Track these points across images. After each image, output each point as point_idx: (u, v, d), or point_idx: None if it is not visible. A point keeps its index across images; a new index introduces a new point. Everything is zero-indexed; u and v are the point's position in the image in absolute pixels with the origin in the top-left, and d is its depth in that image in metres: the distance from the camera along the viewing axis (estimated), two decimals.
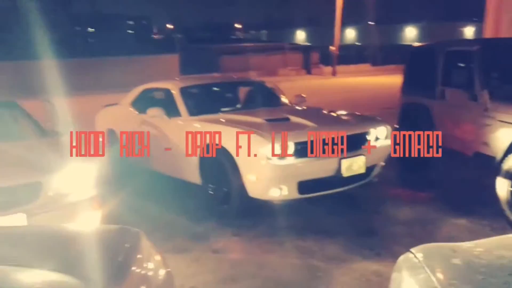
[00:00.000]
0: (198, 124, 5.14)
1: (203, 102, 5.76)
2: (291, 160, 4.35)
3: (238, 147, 4.51)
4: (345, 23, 35.13)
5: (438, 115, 5.93)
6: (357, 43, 53.10)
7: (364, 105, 14.22)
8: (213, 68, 25.05)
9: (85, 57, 22.04)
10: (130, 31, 74.66)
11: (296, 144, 4.39)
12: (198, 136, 5.04)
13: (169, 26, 75.30)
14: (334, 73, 27.79)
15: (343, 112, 5.56)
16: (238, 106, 5.83)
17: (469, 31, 58.73)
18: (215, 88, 6.29)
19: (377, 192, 5.50)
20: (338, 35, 29.24)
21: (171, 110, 5.60)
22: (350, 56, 33.53)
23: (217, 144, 4.73)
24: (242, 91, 6.39)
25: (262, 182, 4.36)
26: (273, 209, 4.88)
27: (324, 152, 4.49)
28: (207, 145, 4.87)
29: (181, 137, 5.24)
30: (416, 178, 6.11)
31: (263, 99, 6.11)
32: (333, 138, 4.56)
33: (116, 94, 9.13)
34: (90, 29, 70.18)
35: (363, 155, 4.71)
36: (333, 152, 4.53)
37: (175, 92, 5.67)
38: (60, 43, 22.25)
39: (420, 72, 6.58)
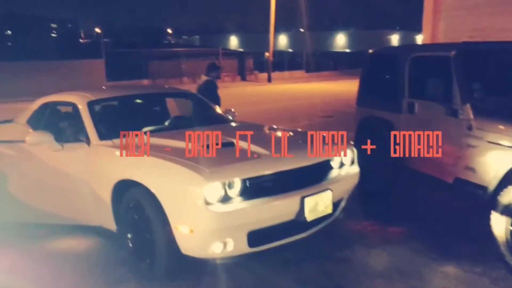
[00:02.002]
0: (110, 151, 3.84)
1: (118, 120, 4.44)
2: (238, 204, 3.18)
3: (162, 185, 3.29)
4: (277, 30, 34.72)
5: (405, 131, 5.04)
6: (289, 50, 53.21)
7: (303, 113, 13.43)
8: (142, 74, 23.41)
9: (10, 60, 19.75)
10: (53, 35, 70.30)
11: (245, 181, 3.24)
12: (111, 167, 3.76)
13: (97, 30, 72.07)
14: (269, 80, 27.05)
15: (296, 132, 4.50)
16: (165, 124, 4.56)
17: (394, 39, 61.00)
18: (135, 102, 4.95)
19: (341, 231, 4.47)
20: (272, 42, 28.60)
21: (77, 131, 4.26)
22: (283, 62, 33.17)
23: (134, 181, 3.47)
24: (170, 105, 5.15)
25: (198, 236, 3.15)
26: (214, 266, 3.68)
27: (281, 189, 3.37)
28: (122, 181, 3.60)
29: (87, 168, 3.92)
30: (383, 208, 5.18)
31: (197, 114, 4.92)
32: (292, 170, 3.46)
33: (31, 103, 7.58)
34: (8, 32, 65.30)
35: (329, 189, 3.65)
36: (293, 188, 3.43)
37: (82, 108, 4.31)
38: None
39: (380, 81, 5.69)
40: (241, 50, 41.16)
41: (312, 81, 27.18)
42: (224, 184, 3.16)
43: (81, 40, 63.85)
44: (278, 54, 36.49)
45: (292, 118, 12.48)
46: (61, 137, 4.27)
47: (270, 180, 3.37)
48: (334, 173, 3.87)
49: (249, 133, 3.95)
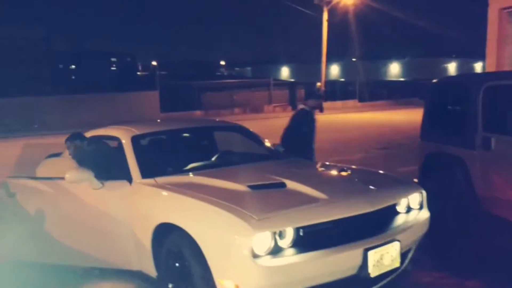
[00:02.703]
0: (151, 191, 3.55)
1: (163, 156, 4.17)
2: (291, 257, 2.76)
3: (205, 232, 2.94)
4: (329, 59, 34.48)
5: (480, 170, 4.44)
6: (341, 79, 52.73)
7: (357, 145, 12.83)
8: (195, 105, 23.68)
9: (66, 94, 20.69)
10: (113, 68, 73.82)
11: (299, 230, 2.83)
12: (151, 208, 3.46)
13: (154, 63, 75.35)
14: (321, 110, 26.52)
15: (356, 170, 4.03)
16: (212, 160, 4.24)
17: (452, 67, 59.01)
18: (181, 136, 4.68)
19: (409, 285, 3.89)
20: (324, 71, 28.29)
21: (120, 168, 4.02)
22: (335, 92, 32.69)
23: (175, 225, 3.15)
24: (217, 139, 4.85)
25: None
26: None
27: (341, 240, 2.92)
28: (163, 225, 3.29)
29: (128, 209, 3.64)
30: (457, 258, 4.54)
31: (245, 150, 4.58)
32: (352, 218, 3.01)
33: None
34: (72, 66, 69.27)
35: (397, 240, 3.15)
36: (354, 239, 2.96)
37: (125, 142, 4.08)
38: (43, 80, 21.33)
39: (448, 113, 5.14)
40: (293, 80, 41.17)
41: (365, 111, 26.44)
42: (274, 234, 2.76)
43: (138, 73, 66.58)
44: (330, 83, 36.08)
45: (346, 150, 11.93)
46: (103, 174, 4.05)
47: (327, 229, 2.93)
48: (401, 219, 3.37)
49: (302, 171, 3.54)
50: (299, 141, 5.68)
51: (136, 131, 4.19)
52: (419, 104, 7.05)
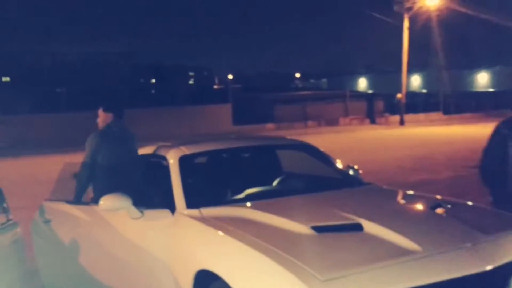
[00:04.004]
0: (195, 226, 2.90)
1: (215, 181, 3.52)
2: None
3: None
4: (410, 70, 32.62)
5: None
6: (423, 90, 49.87)
7: (444, 162, 11.48)
8: (267, 118, 23.21)
9: (144, 107, 21.20)
10: (191, 82, 76.19)
11: None
12: (192, 248, 2.81)
13: (229, 77, 76.88)
14: (402, 123, 24.98)
15: (455, 203, 3.11)
16: (271, 187, 3.51)
17: None
18: (238, 156, 3.99)
19: None
20: (405, 81, 26.64)
21: (164, 194, 3.43)
22: (417, 104, 30.72)
23: (214, 274, 2.46)
24: (279, 160, 4.10)
25: None
26: None
27: None
28: (203, 271, 2.61)
29: (167, 244, 3.02)
30: None
31: (312, 172, 3.81)
32: (459, 281, 2.14)
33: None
34: (152, 80, 72.48)
35: None
36: None
37: (172, 163, 3.48)
38: (126, 94, 22.15)
39: None
40: (370, 91, 39.54)
41: (451, 124, 24.41)
42: None
43: (215, 86, 67.97)
44: (411, 95, 34.06)
45: (432, 168, 10.68)
46: (145, 200, 3.48)
47: None
48: None
49: (384, 207, 2.71)
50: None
51: (186, 151, 3.57)
52: None
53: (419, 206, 3.11)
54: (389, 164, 11.22)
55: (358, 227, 2.52)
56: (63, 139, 16.64)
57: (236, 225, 2.71)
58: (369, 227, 2.48)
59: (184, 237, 2.98)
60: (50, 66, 53.66)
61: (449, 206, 2.80)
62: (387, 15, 26.56)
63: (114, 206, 3.27)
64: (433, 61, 46.72)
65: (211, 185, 3.39)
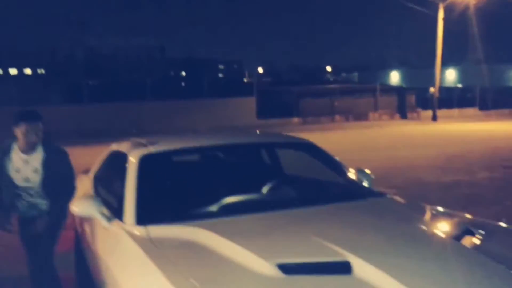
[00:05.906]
0: (133, 248, 2.29)
1: (183, 189, 2.89)
2: None
3: None
4: (444, 63, 31.10)
5: None
6: (458, 85, 47.91)
7: (480, 161, 10.52)
8: (293, 112, 22.47)
9: (174, 99, 21.06)
10: (220, 75, 75.97)
11: None
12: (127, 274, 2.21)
13: (260, 70, 76.23)
14: (434, 118, 23.77)
15: (490, 226, 2.39)
16: (255, 195, 2.83)
17: None
18: (217, 157, 3.29)
19: None
20: (438, 75, 25.35)
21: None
22: (451, 99, 29.28)
23: None
24: (271, 163, 3.43)
25: None
26: None
27: None
28: None
29: (117, 260, 2.43)
30: None
31: (309, 181, 3.14)
32: None
33: None
34: (183, 73, 72.71)
35: None
36: None
37: (131, 162, 2.88)
38: (156, 87, 22.06)
39: None
40: (402, 85, 38.11)
41: (488, 121, 23.07)
42: None
43: (245, 80, 67.47)
44: (445, 90, 32.56)
45: (466, 168, 9.79)
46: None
47: None
48: None
49: (391, 232, 2.01)
50: None
51: (152, 149, 2.96)
52: None
53: (440, 234, 2.36)
54: (419, 163, 10.38)
55: (345, 268, 1.82)
56: (82, 131, 16.52)
57: (180, 257, 2.06)
58: (361, 268, 1.79)
59: (125, 257, 2.37)
60: (84, 59, 54.38)
61: (480, 232, 2.08)
62: (422, 5, 25.30)
63: (82, 211, 2.74)
64: (470, 54, 44.69)
65: (179, 193, 2.77)
